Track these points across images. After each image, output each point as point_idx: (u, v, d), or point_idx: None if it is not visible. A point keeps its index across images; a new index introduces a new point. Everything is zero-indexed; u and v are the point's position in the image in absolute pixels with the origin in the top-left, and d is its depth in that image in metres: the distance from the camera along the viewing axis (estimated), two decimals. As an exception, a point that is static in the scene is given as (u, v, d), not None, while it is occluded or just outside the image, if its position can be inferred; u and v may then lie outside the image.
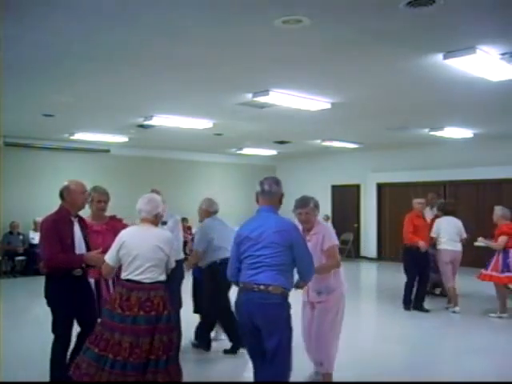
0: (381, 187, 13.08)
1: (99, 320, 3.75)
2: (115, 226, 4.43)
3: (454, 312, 6.87)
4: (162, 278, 3.53)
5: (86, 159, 11.72)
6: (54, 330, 3.95)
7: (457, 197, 9.55)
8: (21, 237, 10.47)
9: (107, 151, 11.97)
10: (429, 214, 7.73)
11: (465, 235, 7.10)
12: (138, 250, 3.44)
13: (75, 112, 7.90)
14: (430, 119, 8.65)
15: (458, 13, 3.79)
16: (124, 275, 3.49)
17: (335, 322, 3.84)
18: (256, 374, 3.36)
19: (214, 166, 14.13)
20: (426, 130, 9.69)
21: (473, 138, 10.45)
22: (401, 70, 5.40)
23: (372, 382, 4.11)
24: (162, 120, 8.41)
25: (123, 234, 3.59)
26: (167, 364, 3.38)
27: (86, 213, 4.62)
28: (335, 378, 3.96)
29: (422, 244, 6.81)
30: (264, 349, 3.21)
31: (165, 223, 4.56)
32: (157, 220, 3.67)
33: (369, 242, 13.30)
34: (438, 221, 7.21)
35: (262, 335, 3.20)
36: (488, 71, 5.27)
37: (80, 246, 3.87)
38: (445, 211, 7.26)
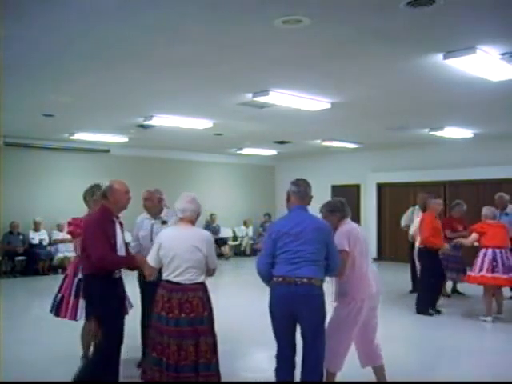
0: (381, 187, 13.08)
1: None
2: None
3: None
4: (202, 279, 3.51)
5: (86, 159, 11.72)
6: (106, 329, 3.77)
7: (457, 197, 9.53)
8: (21, 237, 10.45)
9: (107, 151, 11.97)
10: (420, 214, 7.75)
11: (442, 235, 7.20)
12: (175, 251, 3.44)
13: (75, 112, 7.90)
14: (429, 119, 8.66)
15: (458, 13, 3.79)
16: (164, 276, 3.51)
17: (340, 325, 3.81)
18: (282, 363, 3.54)
19: (213, 165, 14.13)
20: (426, 130, 9.70)
21: (473, 138, 10.45)
22: (401, 70, 5.40)
23: (373, 382, 4.12)
24: (161, 120, 8.41)
25: (161, 235, 3.60)
26: (217, 366, 3.45)
27: (75, 211, 4.69)
28: (337, 378, 3.97)
29: (446, 247, 6.63)
30: (293, 338, 3.52)
31: (165, 222, 4.56)
32: (196, 220, 3.66)
33: (369, 242, 13.27)
34: (416, 220, 7.46)
35: (302, 324, 3.46)
36: (488, 71, 5.27)
37: (121, 248, 3.86)
38: (425, 211, 7.40)
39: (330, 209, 3.95)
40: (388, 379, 4.07)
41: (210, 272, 3.63)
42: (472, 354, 5.39)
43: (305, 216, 3.60)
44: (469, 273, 6.54)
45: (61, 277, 10.90)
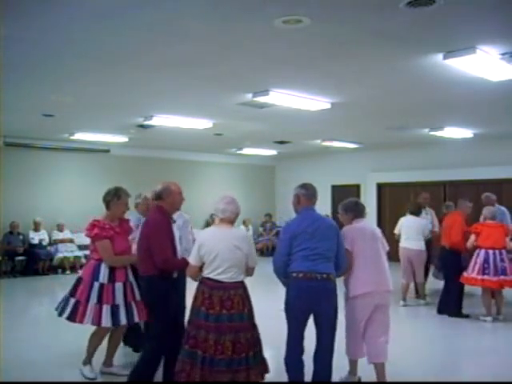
0: (381, 187, 13.07)
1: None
2: (126, 226, 4.43)
3: (404, 306, 7.20)
4: (242, 277, 3.62)
5: (86, 159, 11.72)
6: (160, 331, 3.81)
7: (457, 197, 9.53)
8: (21, 237, 10.44)
9: (107, 151, 11.96)
10: (422, 214, 7.74)
11: (426, 234, 7.28)
12: (217, 251, 3.54)
13: (75, 112, 7.89)
14: (430, 119, 8.65)
15: (458, 13, 3.79)
16: (205, 273, 3.59)
17: (347, 318, 4.08)
18: (292, 357, 3.73)
19: (214, 165, 14.13)
20: (426, 130, 9.70)
21: (473, 138, 10.45)
22: (401, 70, 5.40)
23: (373, 382, 4.13)
24: (161, 120, 8.41)
25: (202, 235, 3.71)
26: (256, 359, 3.56)
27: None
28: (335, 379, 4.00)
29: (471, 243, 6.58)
30: (303, 333, 3.73)
31: (173, 221, 4.52)
32: (235, 220, 3.76)
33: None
34: (400, 220, 7.58)
35: (319, 317, 3.70)
36: (488, 71, 5.26)
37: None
38: (410, 211, 7.49)
39: (343, 208, 4.24)
40: (388, 379, 4.08)
41: (249, 271, 3.73)
42: (472, 353, 5.39)
43: (316, 216, 3.86)
44: (464, 273, 6.50)
45: (60, 277, 10.92)
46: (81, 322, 4.12)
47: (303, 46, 4.59)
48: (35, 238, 10.65)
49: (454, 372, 4.76)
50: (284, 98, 6.63)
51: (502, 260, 6.26)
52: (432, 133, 9.77)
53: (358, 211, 4.20)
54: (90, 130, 9.86)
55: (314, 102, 6.92)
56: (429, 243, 7.60)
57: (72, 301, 4.18)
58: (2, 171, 10.14)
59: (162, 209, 3.90)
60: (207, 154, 13.71)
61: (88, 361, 4.41)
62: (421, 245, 7.26)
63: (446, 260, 6.87)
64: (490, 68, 5.12)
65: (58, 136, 10.45)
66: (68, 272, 10.67)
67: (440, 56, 4.83)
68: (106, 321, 4.08)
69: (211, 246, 3.56)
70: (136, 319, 4.20)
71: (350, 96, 6.74)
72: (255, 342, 3.59)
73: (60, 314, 4.23)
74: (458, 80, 5.71)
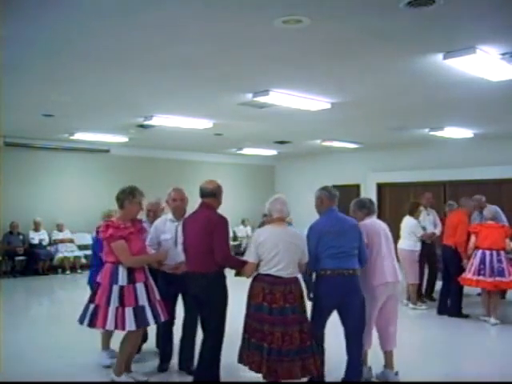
0: (381, 187, 13.07)
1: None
2: (139, 226, 4.32)
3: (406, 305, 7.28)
4: (297, 273, 3.78)
5: (86, 159, 11.72)
6: (221, 327, 3.95)
7: (457, 197, 9.53)
8: (21, 237, 10.45)
9: (107, 151, 11.96)
10: (424, 214, 7.71)
11: (421, 233, 7.20)
12: (277, 248, 3.67)
13: (75, 112, 7.89)
14: (430, 119, 8.66)
15: (458, 13, 3.79)
16: (264, 270, 3.72)
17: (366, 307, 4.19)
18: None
19: (214, 165, 14.11)
20: (426, 130, 9.70)
21: (473, 138, 10.45)
22: (401, 69, 5.40)
23: (375, 382, 4.13)
24: (161, 120, 8.41)
25: (260, 234, 3.83)
26: (317, 347, 3.74)
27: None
28: (331, 379, 4.02)
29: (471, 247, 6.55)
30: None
31: None
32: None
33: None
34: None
35: (348, 312, 3.90)
36: (488, 71, 5.27)
37: None
38: (408, 211, 7.45)
39: (359, 205, 4.42)
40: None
41: (302, 268, 3.86)
42: (472, 353, 5.39)
43: (339, 216, 4.07)
44: (462, 274, 6.48)
45: (60, 277, 10.94)
46: (102, 326, 3.96)
47: (303, 46, 4.59)
48: (35, 237, 10.65)
49: (455, 372, 4.76)
50: (284, 98, 6.63)
51: (499, 261, 6.21)
52: (432, 133, 9.77)
53: (371, 209, 4.41)
54: (89, 130, 9.85)
55: (314, 102, 6.93)
56: (432, 245, 7.57)
57: (91, 306, 4.01)
58: (2, 171, 10.14)
59: (213, 206, 4.02)
60: (207, 154, 13.71)
61: (122, 370, 4.16)
62: (411, 245, 7.12)
63: (450, 259, 6.84)
64: (490, 68, 5.12)
65: (57, 136, 10.45)
66: (68, 272, 10.68)
67: (440, 56, 4.83)
68: (130, 324, 3.92)
69: (271, 243, 3.69)
70: (162, 319, 4.14)
71: (350, 96, 6.74)
72: (313, 333, 3.73)
73: (81, 322, 4.04)
74: (458, 80, 5.71)
